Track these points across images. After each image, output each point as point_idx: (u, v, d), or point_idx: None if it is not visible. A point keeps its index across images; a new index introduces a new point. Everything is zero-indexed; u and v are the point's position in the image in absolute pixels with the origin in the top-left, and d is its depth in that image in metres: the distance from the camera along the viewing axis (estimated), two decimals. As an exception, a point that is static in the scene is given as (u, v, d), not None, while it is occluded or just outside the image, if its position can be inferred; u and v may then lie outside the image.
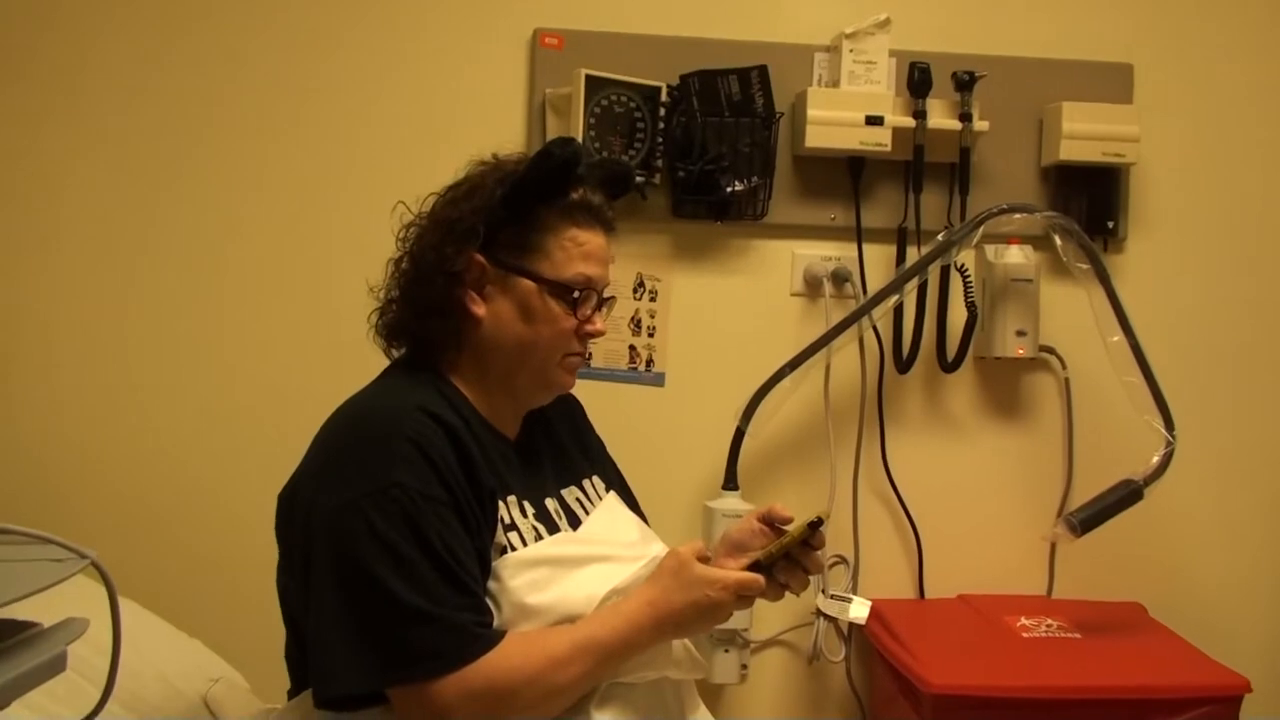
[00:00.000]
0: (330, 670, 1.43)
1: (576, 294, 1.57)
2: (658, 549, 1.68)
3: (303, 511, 1.51)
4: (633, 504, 1.82)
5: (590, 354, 1.67)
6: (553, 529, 1.59)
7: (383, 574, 1.41)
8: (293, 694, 1.63)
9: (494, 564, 1.50)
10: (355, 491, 1.44)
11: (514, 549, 1.52)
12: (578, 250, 1.58)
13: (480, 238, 1.58)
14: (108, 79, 2.44)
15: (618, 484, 1.82)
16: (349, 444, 1.51)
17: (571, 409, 1.84)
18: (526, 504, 1.58)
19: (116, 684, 1.30)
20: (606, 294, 1.65)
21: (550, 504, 1.63)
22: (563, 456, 1.74)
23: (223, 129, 2.46)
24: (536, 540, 1.55)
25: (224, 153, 2.46)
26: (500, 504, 1.54)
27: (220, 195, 2.47)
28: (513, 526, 1.54)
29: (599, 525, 1.66)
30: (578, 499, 1.69)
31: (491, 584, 1.48)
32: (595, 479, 1.76)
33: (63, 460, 2.44)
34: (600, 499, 1.73)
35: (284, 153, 2.48)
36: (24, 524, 1.25)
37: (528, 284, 1.57)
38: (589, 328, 1.60)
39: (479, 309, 1.58)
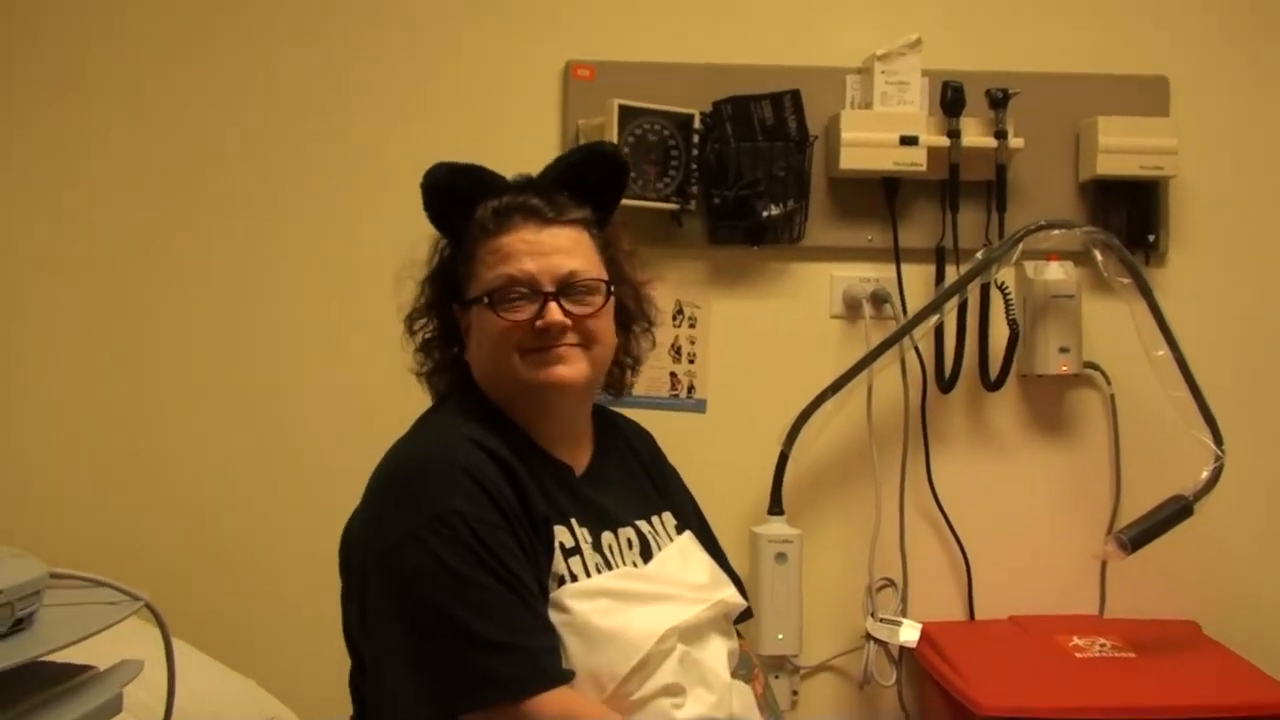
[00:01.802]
0: (396, 698, 1.41)
1: (486, 298, 1.56)
2: (726, 594, 1.66)
3: (361, 543, 1.51)
4: (711, 541, 1.79)
5: (566, 342, 1.56)
6: (611, 561, 1.57)
7: (447, 600, 1.41)
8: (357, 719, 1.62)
9: (554, 594, 1.48)
10: (414, 521, 1.44)
11: (574, 576, 1.51)
12: (494, 258, 1.58)
13: (447, 289, 1.65)
14: (132, 103, 2.48)
15: (695, 521, 1.80)
16: (403, 478, 1.51)
17: (648, 442, 1.83)
18: (587, 532, 1.57)
19: (171, 725, 1.31)
20: (572, 281, 1.56)
21: (623, 533, 1.61)
22: (636, 488, 1.73)
23: (251, 160, 2.49)
24: (598, 571, 1.54)
25: (256, 184, 2.49)
26: (559, 528, 1.53)
27: (252, 227, 2.50)
28: (574, 550, 1.53)
29: (670, 565, 1.64)
30: (649, 532, 1.66)
31: (555, 615, 1.47)
32: (666, 515, 1.73)
33: (114, 503, 2.46)
34: (668, 536, 1.70)
35: (316, 184, 2.50)
36: (77, 568, 1.26)
37: (474, 310, 1.60)
38: (538, 323, 1.54)
39: (467, 353, 1.63)
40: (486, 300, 1.56)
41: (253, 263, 2.50)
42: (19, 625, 1.14)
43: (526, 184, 1.64)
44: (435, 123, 2.50)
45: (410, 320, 1.69)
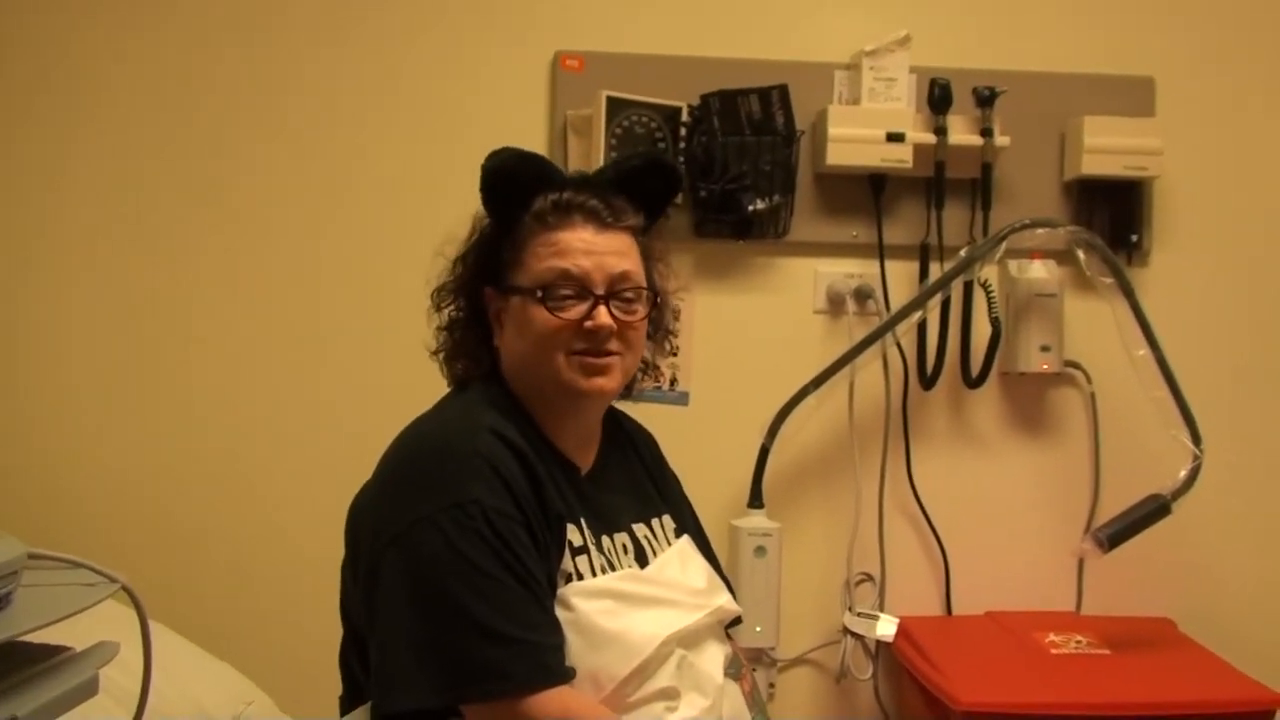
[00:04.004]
0: (399, 683, 1.41)
1: (540, 292, 1.55)
2: (723, 600, 1.67)
3: (373, 522, 1.50)
4: (705, 546, 1.80)
5: (609, 350, 1.56)
6: (613, 564, 1.57)
7: (461, 590, 1.40)
8: (346, 697, 1.62)
9: (560, 591, 1.49)
10: (431, 506, 1.43)
11: (581, 575, 1.51)
12: (548, 250, 1.57)
13: (484, 271, 1.62)
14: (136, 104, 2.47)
15: (692, 525, 1.80)
16: (422, 461, 1.51)
17: (651, 444, 1.84)
18: (591, 533, 1.57)
19: (148, 708, 1.31)
20: (623, 285, 1.57)
21: (619, 538, 1.62)
22: (638, 491, 1.73)
23: (243, 153, 2.49)
24: (602, 572, 1.54)
25: (247, 174, 2.49)
26: (570, 527, 1.53)
27: (242, 215, 2.49)
28: (582, 550, 1.53)
29: (669, 569, 1.64)
30: (645, 537, 1.67)
31: (560, 611, 1.47)
32: (666, 518, 1.73)
33: (91, 483, 2.46)
34: (666, 540, 1.70)
35: (305, 174, 2.50)
36: (54, 548, 1.26)
37: (516, 299, 1.58)
38: (587, 324, 1.55)
39: (498, 339, 1.62)
40: (540, 294, 1.55)
41: (238, 257, 2.49)
42: (-4, 605, 1.14)
43: (584, 182, 1.64)
44: (424, 112, 2.51)
45: (437, 296, 1.68)
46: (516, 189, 1.60)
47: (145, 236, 2.48)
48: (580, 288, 1.55)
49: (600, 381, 1.57)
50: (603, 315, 1.55)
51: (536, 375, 1.58)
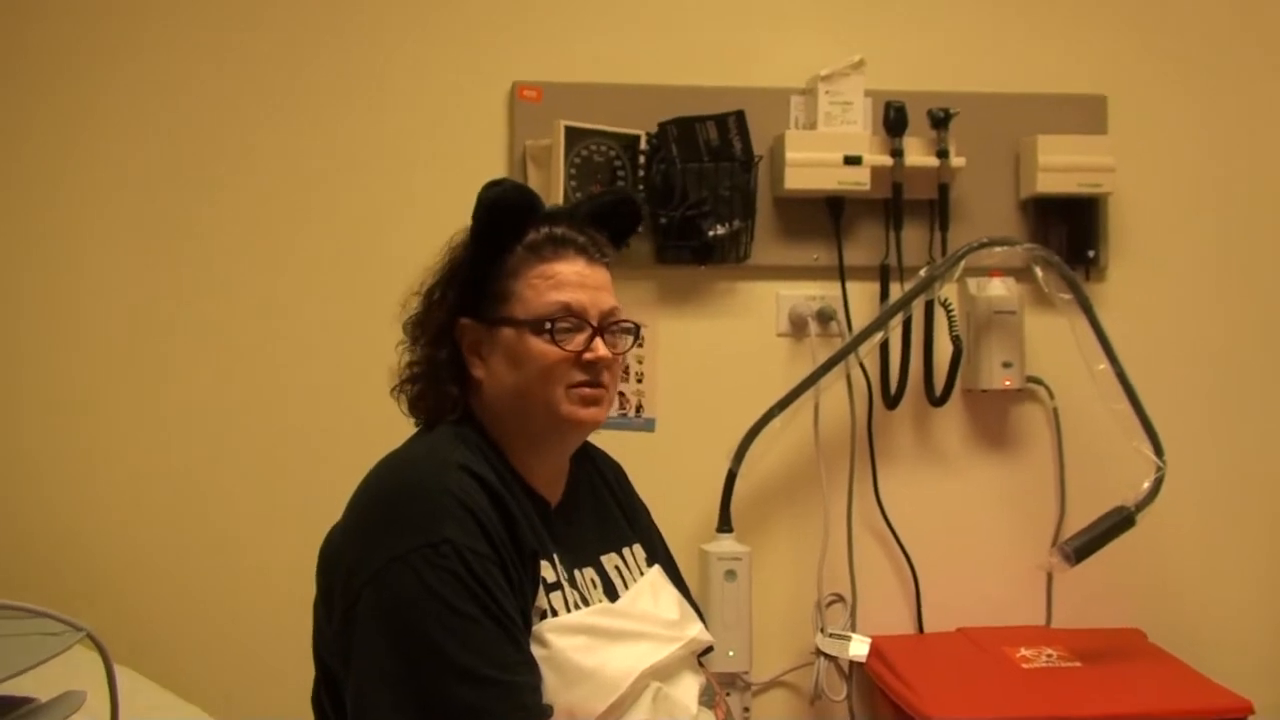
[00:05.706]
0: None
1: (549, 325, 1.55)
2: (696, 630, 1.67)
3: (347, 562, 1.49)
4: (675, 574, 1.79)
5: (603, 382, 1.58)
6: (586, 598, 1.57)
7: (435, 630, 1.39)
8: None
9: (535, 627, 1.48)
10: (404, 546, 1.42)
11: (555, 612, 1.51)
12: (546, 284, 1.57)
13: (461, 302, 1.61)
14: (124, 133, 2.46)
15: (662, 554, 1.80)
16: (394, 498, 1.50)
17: (618, 474, 1.84)
18: (562, 569, 1.56)
19: (116, 755, 1.30)
20: (613, 319, 1.60)
21: (588, 572, 1.61)
22: (607, 521, 1.73)
23: (214, 189, 2.48)
24: (576, 607, 1.54)
25: (210, 204, 2.48)
26: (544, 563, 1.52)
27: (205, 247, 2.48)
28: (556, 586, 1.53)
29: (642, 601, 1.64)
30: (616, 567, 1.66)
31: (535, 648, 1.46)
32: (636, 548, 1.73)
33: (55, 526, 2.44)
34: (638, 569, 1.70)
35: (266, 205, 2.49)
36: (17, 597, 1.25)
37: (508, 331, 1.57)
38: (587, 355, 1.56)
39: (479, 371, 1.60)
40: (548, 327, 1.55)
41: (199, 295, 2.48)
42: (-41, 658, 1.13)
43: (568, 215, 1.65)
44: (382, 143, 2.50)
45: (413, 329, 1.65)
46: (512, 220, 1.60)
47: (112, 267, 2.47)
48: (579, 319, 1.57)
49: (595, 412, 1.59)
50: (601, 347, 1.57)
51: (528, 407, 1.58)
